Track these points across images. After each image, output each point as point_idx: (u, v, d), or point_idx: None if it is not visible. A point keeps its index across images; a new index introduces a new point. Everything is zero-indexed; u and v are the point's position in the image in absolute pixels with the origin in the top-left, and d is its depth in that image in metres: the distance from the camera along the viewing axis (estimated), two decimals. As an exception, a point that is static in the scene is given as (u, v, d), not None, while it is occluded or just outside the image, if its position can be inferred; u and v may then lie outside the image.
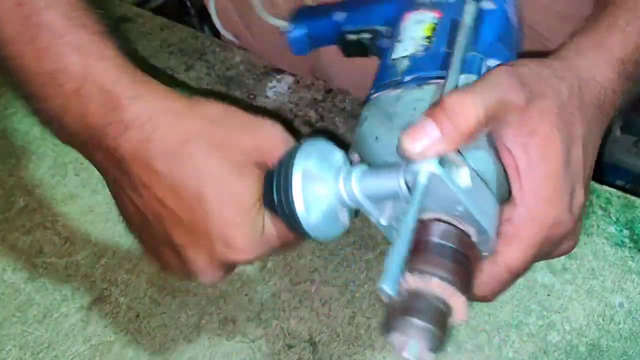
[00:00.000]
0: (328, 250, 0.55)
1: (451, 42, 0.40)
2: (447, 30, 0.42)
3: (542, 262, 0.54)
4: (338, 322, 0.51)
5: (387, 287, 0.28)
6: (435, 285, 0.31)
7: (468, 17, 0.41)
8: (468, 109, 0.31)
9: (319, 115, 0.66)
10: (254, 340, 0.50)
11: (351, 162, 0.38)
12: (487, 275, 0.34)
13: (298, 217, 0.34)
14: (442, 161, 0.31)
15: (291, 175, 0.33)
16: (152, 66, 0.72)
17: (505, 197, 0.35)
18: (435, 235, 0.33)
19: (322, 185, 0.35)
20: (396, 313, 0.30)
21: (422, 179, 0.31)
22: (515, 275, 0.34)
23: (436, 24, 0.43)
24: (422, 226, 0.33)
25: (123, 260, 0.54)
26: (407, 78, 0.40)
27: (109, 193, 0.40)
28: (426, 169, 0.31)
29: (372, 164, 0.36)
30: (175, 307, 0.51)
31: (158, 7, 1.15)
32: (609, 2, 0.39)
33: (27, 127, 0.65)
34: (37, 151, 0.63)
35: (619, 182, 1.19)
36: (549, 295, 0.52)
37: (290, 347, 0.49)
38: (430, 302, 0.30)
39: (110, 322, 0.50)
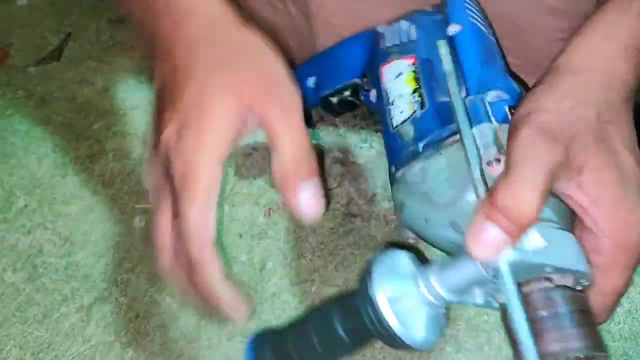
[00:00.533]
0: (328, 250, 0.55)
1: (436, 86, 0.40)
2: (428, 75, 0.42)
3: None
4: (338, 322, 0.50)
5: None
6: None
7: (445, 59, 0.40)
8: (523, 202, 0.30)
9: (319, 115, 0.66)
10: (254, 340, 0.50)
11: (409, 248, 0.38)
12: (600, 306, 0.34)
13: (404, 341, 0.34)
14: None
15: (378, 307, 0.33)
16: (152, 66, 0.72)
17: (571, 219, 0.35)
18: (544, 307, 0.31)
19: (408, 300, 0.34)
20: None
21: (505, 270, 0.30)
22: (623, 294, 0.34)
23: (415, 72, 0.43)
24: (525, 304, 0.31)
25: (123, 260, 0.54)
26: (420, 146, 0.39)
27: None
28: (504, 260, 0.30)
29: (433, 242, 0.39)
30: (175, 307, 0.51)
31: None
32: None
33: (27, 127, 0.65)
34: (37, 151, 0.63)
35: (619, 182, 1.18)
36: (549, 295, 0.52)
37: (290, 347, 0.49)
38: None
39: (110, 322, 0.50)
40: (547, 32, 0.52)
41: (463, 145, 0.35)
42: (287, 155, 0.35)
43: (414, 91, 0.42)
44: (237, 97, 0.35)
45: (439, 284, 0.34)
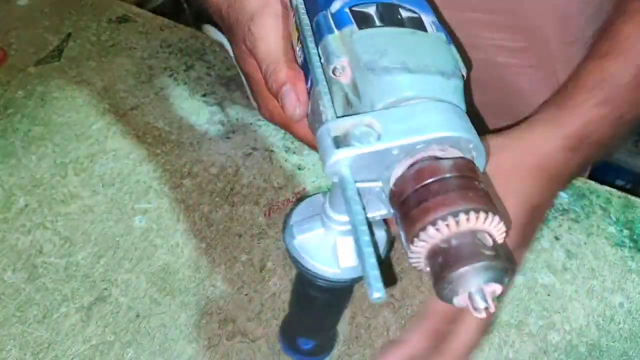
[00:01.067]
0: (328, 250, 0.55)
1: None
2: (294, 6, 0.38)
3: (542, 262, 0.54)
4: (338, 322, 0.51)
5: (379, 294, 0.24)
6: (463, 222, 0.25)
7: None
8: None
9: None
10: (254, 340, 0.50)
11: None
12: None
13: (324, 275, 0.34)
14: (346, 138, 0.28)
15: (290, 252, 0.34)
16: (152, 66, 0.72)
17: None
18: (415, 180, 0.27)
19: (315, 236, 0.34)
20: (445, 274, 0.25)
21: (344, 172, 0.27)
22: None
23: (294, 17, 0.39)
24: (406, 178, 0.28)
25: (123, 260, 0.54)
26: (309, 86, 0.37)
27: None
28: (344, 162, 0.27)
29: None
30: (175, 307, 0.51)
31: (158, 7, 1.15)
32: (572, 81, 0.41)
33: (27, 127, 0.65)
34: (37, 151, 0.63)
35: (619, 182, 1.19)
36: (549, 295, 0.52)
37: (290, 347, 0.49)
38: (470, 241, 0.25)
39: (110, 322, 0.50)
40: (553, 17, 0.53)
41: (311, 65, 0.33)
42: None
43: (297, 39, 0.39)
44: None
45: (331, 208, 0.33)
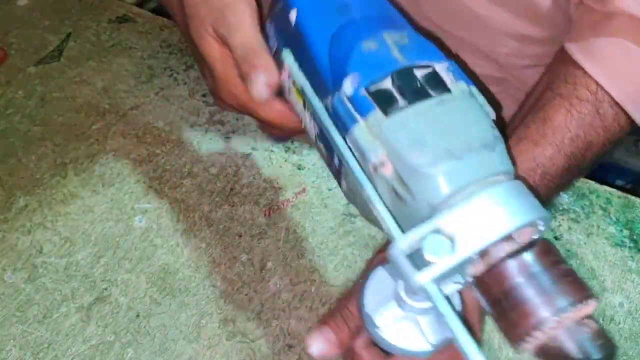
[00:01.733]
0: (328, 250, 0.55)
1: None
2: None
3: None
4: (338, 322, 0.51)
5: None
6: (568, 318, 0.26)
7: (295, 72, 0.37)
8: None
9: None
10: (254, 340, 0.50)
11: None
12: None
13: (416, 353, 0.34)
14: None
15: (381, 340, 0.35)
16: (152, 66, 0.72)
17: None
18: (503, 280, 0.27)
19: (400, 322, 0.35)
20: None
21: (430, 289, 0.27)
22: None
23: (294, 84, 0.39)
24: (491, 277, 0.28)
25: (123, 260, 0.54)
26: (337, 163, 0.36)
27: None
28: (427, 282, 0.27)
29: None
30: (175, 307, 0.51)
31: (158, 7, 1.15)
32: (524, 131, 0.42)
33: (27, 127, 0.65)
34: (37, 151, 0.63)
35: (619, 182, 1.19)
36: (549, 295, 0.52)
37: (290, 347, 0.49)
38: (579, 335, 0.27)
39: (110, 322, 0.50)
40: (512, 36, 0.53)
41: (346, 162, 0.32)
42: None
43: (304, 105, 0.38)
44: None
45: (408, 297, 0.33)
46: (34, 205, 0.58)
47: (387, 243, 0.41)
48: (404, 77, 0.31)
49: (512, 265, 0.27)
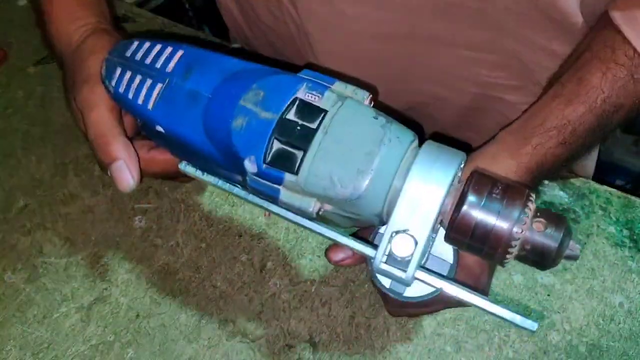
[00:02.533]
0: (328, 250, 0.55)
1: None
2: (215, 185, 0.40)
3: (542, 262, 0.54)
4: (338, 322, 0.51)
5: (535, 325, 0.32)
6: (527, 224, 0.31)
7: (195, 175, 0.40)
8: None
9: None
10: (254, 340, 0.50)
11: None
12: None
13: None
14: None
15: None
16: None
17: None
18: (471, 214, 0.32)
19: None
20: (548, 264, 0.32)
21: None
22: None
23: None
24: (455, 229, 0.32)
25: (123, 260, 0.54)
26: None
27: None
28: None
29: None
30: (175, 307, 0.51)
31: (158, 7, 1.15)
32: (536, 118, 0.44)
33: (27, 127, 0.65)
34: (37, 151, 0.63)
35: (619, 182, 1.19)
36: (549, 295, 0.52)
37: (290, 347, 0.49)
38: (539, 235, 0.32)
39: (110, 322, 0.50)
40: (538, 50, 0.54)
41: (293, 223, 0.36)
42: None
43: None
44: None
45: None
46: (34, 205, 0.58)
47: None
48: (284, 131, 0.32)
49: (463, 212, 0.31)
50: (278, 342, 0.50)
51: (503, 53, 0.54)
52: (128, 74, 0.38)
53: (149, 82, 0.37)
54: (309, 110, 0.32)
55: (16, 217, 0.57)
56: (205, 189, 0.59)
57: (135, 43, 0.39)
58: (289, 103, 0.32)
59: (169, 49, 0.37)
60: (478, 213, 0.31)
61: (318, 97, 0.32)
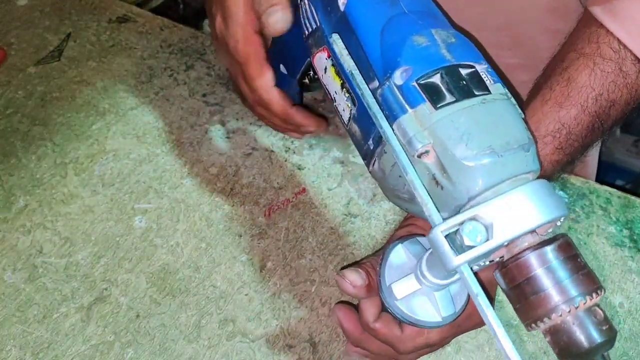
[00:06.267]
0: (328, 250, 0.55)
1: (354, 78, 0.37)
2: (343, 70, 0.39)
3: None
4: (338, 322, 0.50)
5: None
6: (581, 306, 0.30)
7: (344, 56, 0.38)
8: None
9: (319, 116, 0.66)
10: (254, 340, 0.50)
11: None
12: None
13: (428, 325, 0.39)
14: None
15: (397, 312, 0.39)
16: (152, 66, 0.72)
17: None
18: (525, 269, 0.31)
19: (416, 296, 0.39)
20: (573, 351, 0.30)
21: (465, 274, 0.31)
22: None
23: (333, 65, 0.40)
24: (515, 264, 0.31)
25: (123, 260, 0.54)
26: (370, 144, 0.38)
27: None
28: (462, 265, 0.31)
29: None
30: (175, 307, 0.51)
31: (158, 7, 1.15)
32: (531, 124, 0.43)
33: (27, 127, 0.65)
34: (37, 151, 0.63)
35: (619, 182, 1.19)
36: (549, 295, 0.52)
37: (290, 347, 0.49)
38: (589, 320, 0.30)
39: (110, 322, 0.50)
40: (545, 30, 0.53)
41: (392, 148, 0.34)
42: None
43: (342, 87, 0.40)
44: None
45: (429, 274, 0.36)
46: (34, 205, 0.58)
47: (407, 220, 0.45)
48: (451, 75, 0.33)
49: (534, 256, 0.30)
50: (278, 342, 0.50)
51: (510, 32, 0.54)
52: None
53: None
54: (478, 82, 0.33)
55: (16, 216, 0.57)
56: (205, 188, 0.59)
57: None
58: (467, 64, 0.33)
59: None
60: (543, 267, 0.30)
61: (491, 81, 0.33)
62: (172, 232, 0.56)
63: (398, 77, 0.34)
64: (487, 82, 0.33)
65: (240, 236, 0.56)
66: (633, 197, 0.59)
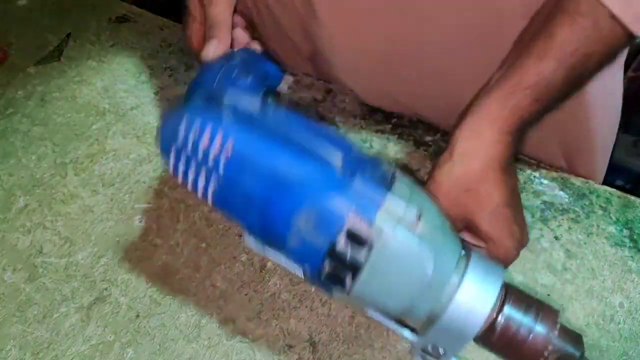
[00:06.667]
0: (328, 250, 0.55)
1: None
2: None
3: (542, 262, 0.54)
4: (338, 322, 0.51)
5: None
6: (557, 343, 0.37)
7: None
8: None
9: (319, 116, 0.66)
10: (254, 340, 0.50)
11: None
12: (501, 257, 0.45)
13: None
14: None
15: None
16: (152, 66, 0.72)
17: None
18: (508, 327, 0.37)
19: None
20: None
21: None
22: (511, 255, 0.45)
23: None
24: (489, 334, 0.37)
25: (123, 260, 0.54)
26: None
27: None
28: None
29: None
30: (175, 307, 0.51)
31: (158, 7, 1.15)
32: (510, 78, 0.45)
33: (27, 127, 0.65)
34: (37, 151, 0.63)
35: (619, 182, 1.19)
36: (549, 295, 0.52)
37: (290, 347, 0.49)
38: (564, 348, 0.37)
39: (110, 322, 0.50)
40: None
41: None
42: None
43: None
44: None
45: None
46: (34, 205, 0.58)
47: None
48: (334, 259, 0.33)
49: (501, 323, 0.36)
50: (278, 342, 0.50)
51: None
52: (183, 159, 0.35)
53: (203, 173, 0.35)
54: (359, 242, 0.32)
55: (16, 216, 0.57)
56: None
57: (184, 123, 0.35)
58: (338, 232, 0.32)
59: (219, 138, 0.34)
60: (513, 324, 0.36)
61: (367, 224, 0.32)
62: (172, 232, 0.56)
63: (305, 274, 0.36)
64: (366, 232, 0.32)
65: (240, 236, 0.56)
66: (633, 197, 0.59)
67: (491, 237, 0.43)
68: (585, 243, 0.56)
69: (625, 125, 1.20)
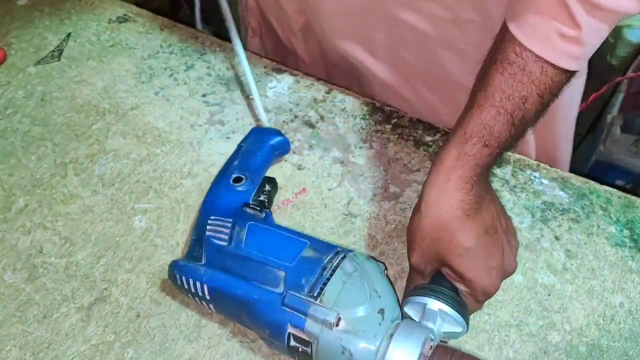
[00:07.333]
0: (328, 250, 0.55)
1: None
2: None
3: (542, 262, 0.54)
4: (338, 322, 0.50)
5: None
6: None
7: None
8: None
9: (319, 115, 0.66)
10: (254, 340, 0.50)
11: None
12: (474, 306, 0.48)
13: None
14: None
15: None
16: (152, 66, 0.72)
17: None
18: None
19: None
20: None
21: None
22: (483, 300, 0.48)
23: None
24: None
25: (123, 260, 0.54)
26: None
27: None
28: None
29: None
30: (175, 307, 0.51)
31: (158, 7, 1.15)
32: (460, 129, 0.47)
33: (27, 127, 0.65)
34: (37, 151, 0.63)
35: (619, 182, 1.19)
36: (549, 295, 0.52)
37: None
38: None
39: (110, 322, 0.50)
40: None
41: None
42: None
43: None
44: None
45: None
46: (34, 205, 0.58)
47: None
48: (295, 353, 0.44)
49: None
50: (278, 342, 0.50)
51: None
52: (185, 292, 0.49)
53: (198, 298, 0.48)
54: (303, 343, 0.42)
55: (16, 216, 0.57)
56: (205, 188, 0.59)
57: (177, 276, 0.48)
58: (287, 338, 0.43)
59: (199, 285, 0.47)
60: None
61: (301, 330, 0.42)
62: (172, 232, 0.56)
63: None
64: (304, 335, 0.42)
65: (240, 236, 0.56)
66: (633, 197, 0.59)
67: (466, 278, 0.45)
68: (585, 243, 0.56)
69: (625, 125, 1.20)
